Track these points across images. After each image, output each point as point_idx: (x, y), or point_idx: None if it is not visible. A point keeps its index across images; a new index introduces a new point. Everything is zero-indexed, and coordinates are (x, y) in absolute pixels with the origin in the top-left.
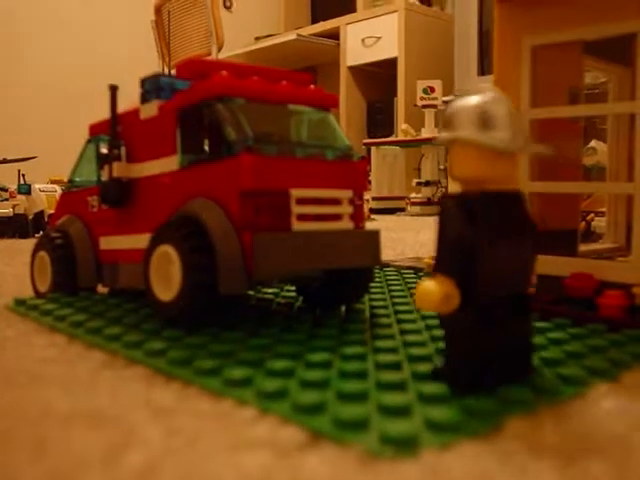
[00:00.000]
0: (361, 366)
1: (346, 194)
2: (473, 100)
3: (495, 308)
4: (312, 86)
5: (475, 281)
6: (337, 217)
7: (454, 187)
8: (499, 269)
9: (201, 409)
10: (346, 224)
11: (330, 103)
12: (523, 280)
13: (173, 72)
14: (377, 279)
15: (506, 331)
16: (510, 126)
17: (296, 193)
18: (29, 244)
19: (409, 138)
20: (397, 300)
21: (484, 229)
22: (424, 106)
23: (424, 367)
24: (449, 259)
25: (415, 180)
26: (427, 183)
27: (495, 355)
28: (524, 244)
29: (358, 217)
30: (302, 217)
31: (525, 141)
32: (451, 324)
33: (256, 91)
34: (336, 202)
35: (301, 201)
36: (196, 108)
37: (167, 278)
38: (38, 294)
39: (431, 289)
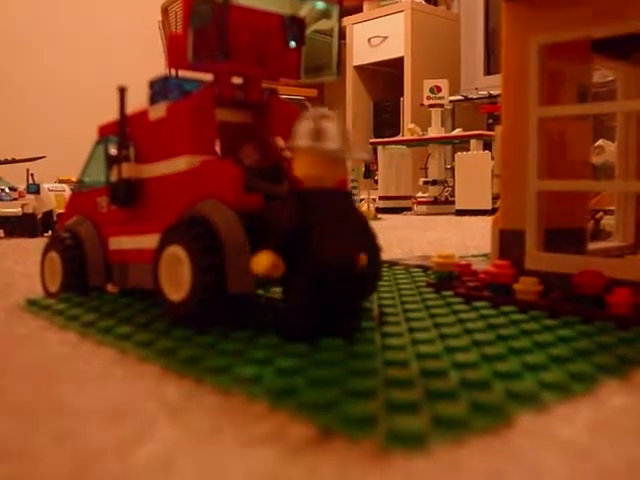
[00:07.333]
0: (370, 364)
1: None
2: (310, 119)
3: (325, 277)
4: None
5: (307, 255)
6: None
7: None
8: (328, 247)
9: (212, 405)
10: None
11: None
12: (353, 258)
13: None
14: (386, 278)
15: (335, 296)
16: (338, 138)
17: None
18: (38, 243)
19: (416, 137)
20: (406, 298)
21: (314, 216)
22: (430, 105)
23: (433, 364)
24: (281, 239)
25: (422, 179)
26: (434, 182)
27: (322, 314)
28: (349, 229)
29: None
30: None
31: (349, 150)
32: (289, 287)
33: None
34: None
35: None
36: None
37: (177, 278)
38: (48, 294)
39: (263, 258)
